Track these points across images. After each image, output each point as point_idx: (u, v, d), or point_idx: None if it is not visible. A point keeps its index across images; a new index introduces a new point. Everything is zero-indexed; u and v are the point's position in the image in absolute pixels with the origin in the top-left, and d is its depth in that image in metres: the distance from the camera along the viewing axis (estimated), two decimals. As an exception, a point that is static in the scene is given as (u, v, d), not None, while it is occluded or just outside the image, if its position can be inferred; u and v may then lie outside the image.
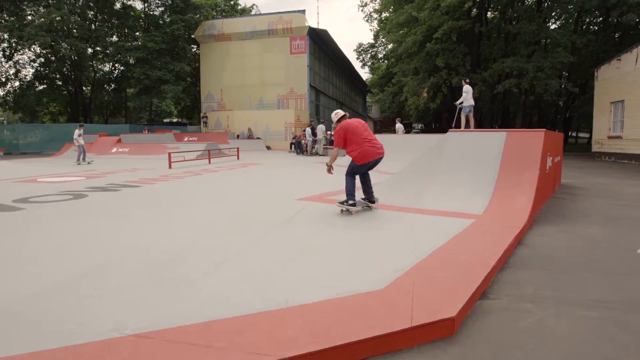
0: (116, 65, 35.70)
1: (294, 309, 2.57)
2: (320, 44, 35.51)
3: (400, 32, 28.12)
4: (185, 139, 28.78)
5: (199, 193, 7.96)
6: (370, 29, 70.23)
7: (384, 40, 43.35)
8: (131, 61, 33.59)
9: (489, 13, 29.85)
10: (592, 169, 14.57)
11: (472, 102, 12.27)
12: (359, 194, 6.06)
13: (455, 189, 6.21)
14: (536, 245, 4.38)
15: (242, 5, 44.11)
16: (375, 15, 40.03)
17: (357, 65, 62.35)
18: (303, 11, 31.98)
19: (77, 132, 17.01)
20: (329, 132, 24.98)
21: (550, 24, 30.15)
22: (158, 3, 35.12)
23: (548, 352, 2.23)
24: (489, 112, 30.67)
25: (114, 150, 23.00)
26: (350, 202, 5.72)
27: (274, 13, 32.86)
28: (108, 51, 33.44)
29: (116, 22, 34.63)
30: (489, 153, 6.41)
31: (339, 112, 6.01)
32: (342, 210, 5.79)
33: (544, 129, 6.59)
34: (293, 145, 24.72)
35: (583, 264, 3.74)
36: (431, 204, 5.95)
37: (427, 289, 2.84)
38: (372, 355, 2.21)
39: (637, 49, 16.56)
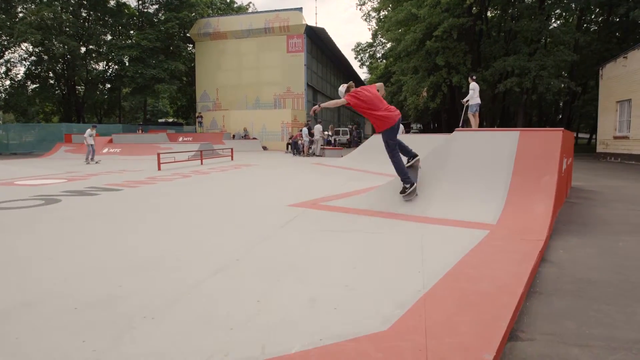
0: (110, 64, 35.05)
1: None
2: (318, 43, 34.93)
3: (400, 30, 27.52)
4: (180, 139, 28.15)
5: (180, 198, 7.32)
6: (369, 28, 69.60)
7: (382, 39, 42.76)
8: (125, 60, 32.96)
9: (488, 12, 29.24)
10: (600, 170, 13.99)
11: (478, 101, 11.68)
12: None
13: (463, 194, 5.60)
14: (563, 263, 3.77)
15: (239, 3, 43.47)
16: (373, 14, 39.38)
17: (355, 64, 61.76)
18: (300, 9, 31.40)
19: (88, 131, 16.99)
20: (326, 133, 24.42)
21: (550, 22, 29.62)
22: (152, 1, 34.47)
23: None
24: (489, 112, 30.08)
25: (105, 150, 22.34)
26: (408, 185, 5.72)
27: (271, 11, 32.26)
28: (101, 50, 32.76)
29: (110, 20, 33.97)
30: (501, 155, 5.79)
31: (345, 85, 5.85)
32: (407, 199, 5.72)
33: (562, 128, 5.99)
34: (289, 146, 24.11)
35: (629, 289, 3.13)
36: (438, 212, 5.34)
37: (442, 335, 2.21)
38: None
39: (645, 46, 16.02)
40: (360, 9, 40.36)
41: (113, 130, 29.93)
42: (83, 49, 33.34)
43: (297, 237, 4.37)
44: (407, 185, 5.72)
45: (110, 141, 23.46)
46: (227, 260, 3.56)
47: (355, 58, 50.56)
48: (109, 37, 34.68)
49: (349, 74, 51.94)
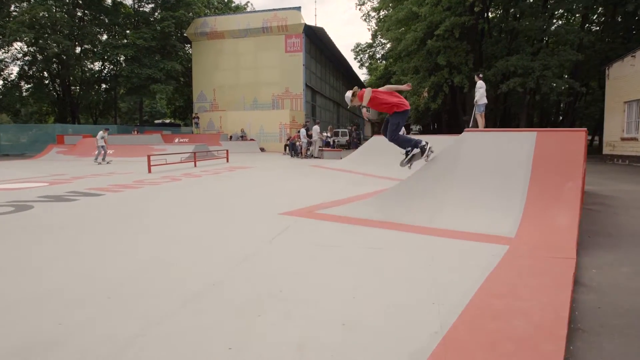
0: (105, 64, 34.45)
1: None
2: (317, 43, 34.37)
3: (400, 29, 26.97)
4: (176, 140, 27.59)
5: (162, 205, 6.71)
6: (368, 29, 69.14)
7: (382, 40, 42.20)
8: (121, 59, 32.38)
9: (489, 13, 28.66)
10: (610, 173, 13.41)
11: (485, 100, 11.13)
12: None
13: (475, 202, 5.02)
14: (601, 287, 3.18)
15: (237, 2, 42.92)
16: (373, 14, 38.85)
17: (354, 65, 61.21)
18: (299, 8, 30.85)
19: (100, 133, 17.17)
20: (324, 134, 23.85)
21: (553, 21, 29.09)
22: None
23: None
24: (491, 113, 29.49)
25: (98, 151, 21.71)
26: (422, 144, 5.84)
27: (269, 10, 31.69)
28: (96, 49, 32.13)
29: (105, 19, 33.36)
30: (516, 158, 5.22)
31: (350, 91, 5.89)
32: (426, 157, 5.80)
33: (584, 128, 5.42)
34: (287, 147, 23.53)
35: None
36: (447, 221, 4.75)
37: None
38: None
39: (655, 45, 15.46)
40: (359, 9, 39.72)
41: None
42: (78, 49, 32.76)
43: (286, 254, 3.78)
44: (422, 144, 5.86)
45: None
46: (201, 285, 2.97)
47: (355, 59, 49.99)
48: (104, 37, 34.07)
49: (348, 75, 51.43)
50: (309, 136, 20.24)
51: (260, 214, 5.68)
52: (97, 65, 35.66)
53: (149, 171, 12.57)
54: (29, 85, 32.98)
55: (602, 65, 25.75)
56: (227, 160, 17.41)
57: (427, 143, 5.88)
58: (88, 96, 33.58)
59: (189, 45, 35.60)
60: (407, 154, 5.96)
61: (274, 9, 31.49)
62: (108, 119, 40.00)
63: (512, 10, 26.02)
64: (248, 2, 45.18)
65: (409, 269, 3.34)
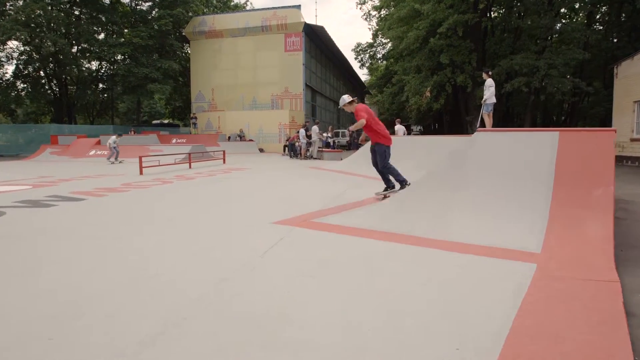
0: (102, 63, 33.90)
1: None
2: (317, 42, 33.83)
3: (402, 27, 26.41)
4: (174, 140, 27.05)
5: (145, 212, 6.13)
6: (369, 28, 68.55)
7: (382, 39, 41.67)
8: (118, 58, 31.86)
9: (492, 12, 28.06)
10: (622, 175, 12.83)
11: (494, 99, 10.56)
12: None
13: (491, 210, 4.47)
14: (656, 319, 2.62)
15: (236, 1, 42.40)
16: (374, 13, 38.34)
17: (355, 65, 60.61)
18: (298, 6, 30.32)
19: (113, 138, 17.65)
20: (324, 134, 23.31)
21: (557, 19, 28.54)
22: (146, -3, 33.38)
23: None
24: (494, 114, 28.92)
25: (92, 152, 21.27)
26: (406, 183, 6.13)
27: (268, 8, 31.16)
28: (93, 48, 31.55)
29: (103, 17, 32.81)
30: (537, 160, 4.67)
31: (349, 96, 6.66)
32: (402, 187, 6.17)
33: (614, 128, 4.87)
34: (286, 148, 22.98)
35: None
36: (460, 233, 4.20)
37: None
38: None
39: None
40: (360, 8, 39.00)
41: (104, 131, 28.83)
42: (75, 48, 32.21)
43: (276, 276, 3.21)
44: (406, 183, 6.17)
45: (98, 143, 22.33)
46: (167, 320, 2.41)
47: (356, 59, 49.41)
48: (102, 36, 33.52)
49: (349, 75, 50.89)
50: (308, 137, 19.70)
51: (252, 222, 5.12)
52: (94, 65, 35.14)
53: (141, 173, 12.03)
54: (25, 85, 32.45)
55: (608, 64, 25.22)
56: (224, 162, 16.87)
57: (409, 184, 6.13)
58: (85, 96, 33.00)
59: (187, 45, 35.10)
60: (402, 184, 6.24)
61: (273, 7, 30.96)
62: (105, 119, 39.47)
63: (516, 8, 25.45)
64: (247, 0, 44.67)
65: (421, 296, 2.78)
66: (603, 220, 3.87)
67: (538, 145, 4.78)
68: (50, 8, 28.96)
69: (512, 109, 34.62)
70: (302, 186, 9.15)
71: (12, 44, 30.10)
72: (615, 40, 28.28)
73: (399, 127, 18.41)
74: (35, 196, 7.52)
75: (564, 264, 3.35)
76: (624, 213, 6.33)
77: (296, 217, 5.27)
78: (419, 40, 24.16)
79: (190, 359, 1.98)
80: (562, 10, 27.72)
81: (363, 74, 61.78)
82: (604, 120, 29.15)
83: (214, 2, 37.89)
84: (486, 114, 10.81)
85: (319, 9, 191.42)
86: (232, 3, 41.21)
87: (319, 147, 20.19)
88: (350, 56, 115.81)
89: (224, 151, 17.44)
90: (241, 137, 28.08)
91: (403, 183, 6.23)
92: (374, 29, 40.86)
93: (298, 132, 20.64)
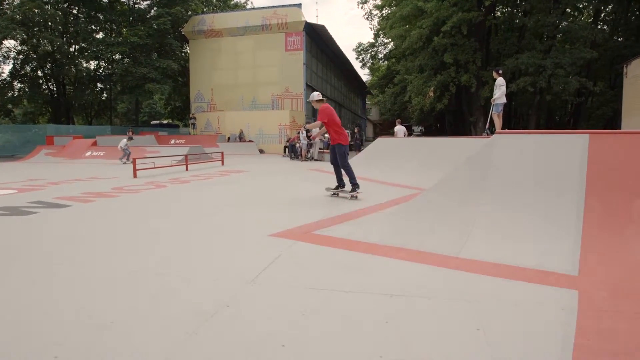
0: (100, 63, 33.45)
1: None
2: (318, 41, 33.37)
3: (404, 27, 25.94)
4: (172, 141, 26.60)
5: (130, 220, 5.60)
6: (370, 27, 68.06)
7: (384, 39, 41.16)
8: (116, 57, 31.41)
9: (497, 12, 27.50)
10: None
11: (504, 99, 10.09)
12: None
13: (515, 223, 3.97)
14: None
15: (236, 0, 41.93)
16: (375, 12, 37.82)
17: (356, 65, 60.10)
18: (299, 5, 29.84)
19: (123, 141, 17.82)
20: (326, 135, 22.78)
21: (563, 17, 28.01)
22: (144, -4, 32.94)
23: None
24: (499, 114, 28.39)
25: (88, 154, 20.77)
26: (358, 187, 6.99)
27: (268, 7, 30.69)
28: (91, 47, 31.08)
29: (100, 16, 32.37)
30: (565, 167, 4.16)
31: (321, 94, 7.36)
32: (351, 197, 6.99)
33: (652, 130, 4.37)
34: (287, 149, 22.50)
35: None
36: (483, 251, 3.70)
37: None
38: None
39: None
40: (362, 8, 38.38)
41: (101, 132, 28.37)
42: (73, 48, 31.76)
43: (272, 308, 2.70)
44: (358, 189, 7.01)
45: (95, 144, 21.85)
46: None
47: (357, 59, 48.88)
48: (100, 35, 33.05)
49: (350, 75, 50.40)
50: (309, 137, 19.20)
51: (246, 235, 4.61)
52: (92, 64, 34.68)
53: (134, 176, 11.53)
54: (22, 85, 32.01)
55: (614, 64, 24.73)
56: (222, 164, 16.37)
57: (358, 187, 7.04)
58: (82, 96, 32.54)
59: (186, 44, 34.65)
60: (352, 186, 7.01)
61: (273, 6, 30.48)
62: (104, 120, 39.01)
63: (521, 6, 24.93)
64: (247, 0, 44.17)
65: (451, 341, 2.28)
66: (649, 236, 3.37)
67: (566, 150, 4.28)
68: (47, 7, 28.53)
69: (516, 109, 34.09)
70: (302, 191, 8.64)
71: (10, 43, 29.68)
72: (620, 39, 27.77)
73: (399, 128, 17.91)
74: (17, 202, 7.02)
75: (611, 290, 2.85)
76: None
77: (296, 229, 4.76)
78: (422, 39, 23.70)
79: None
80: (568, 10, 27.25)
81: (364, 74, 61.31)
82: (612, 121, 28.66)
83: (214, 1, 37.43)
84: (496, 115, 10.33)
85: (319, 9, 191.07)
86: (232, 2, 40.76)
87: (319, 148, 19.71)
88: (351, 56, 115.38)
89: (222, 152, 16.94)
90: (241, 138, 27.61)
91: (355, 187, 6.97)
92: (375, 28, 40.33)
93: (299, 132, 20.15)
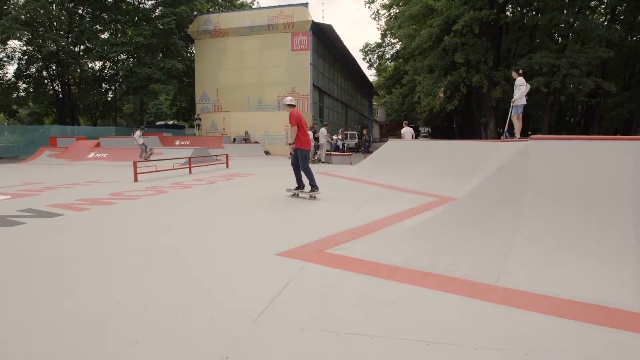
0: (105, 63, 33.12)
1: None
2: (325, 41, 32.85)
3: (413, 26, 25.36)
4: (177, 142, 26.16)
5: (120, 238, 5.07)
6: (378, 28, 67.47)
7: (392, 39, 40.58)
8: (121, 58, 31.09)
9: (508, 10, 26.79)
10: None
11: (524, 101, 9.54)
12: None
13: (561, 245, 3.43)
14: None
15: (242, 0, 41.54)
16: (383, 12, 37.26)
17: (363, 66, 59.43)
18: (306, 4, 29.32)
19: (137, 133, 18.17)
20: (334, 137, 22.33)
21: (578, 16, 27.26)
22: (149, -5, 32.59)
23: None
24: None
25: (91, 155, 20.39)
26: (317, 189, 7.51)
27: (274, 7, 30.21)
28: (95, 47, 30.76)
29: (106, 17, 32.06)
30: (616, 180, 3.62)
31: (293, 100, 8.00)
32: (310, 197, 7.52)
33: None
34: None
35: None
36: (527, 279, 3.17)
37: None
38: None
39: None
40: (369, 7, 37.76)
41: (106, 133, 28.04)
42: (78, 48, 31.48)
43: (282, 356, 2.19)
44: (317, 190, 7.55)
45: (98, 145, 21.48)
46: None
47: (364, 59, 48.31)
48: (105, 35, 32.73)
49: (357, 75, 49.88)
50: (316, 139, 18.70)
51: (250, 253, 4.09)
52: (97, 65, 34.38)
53: (135, 179, 11.07)
54: (26, 86, 31.76)
55: (629, 64, 23.99)
56: (227, 166, 15.89)
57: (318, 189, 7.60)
58: (87, 96, 32.23)
59: (192, 44, 34.28)
60: (311, 188, 7.56)
61: (280, 6, 29.98)
62: (109, 121, 38.72)
63: (535, 3, 24.21)
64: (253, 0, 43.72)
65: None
66: None
67: (617, 159, 3.73)
68: (52, 7, 28.24)
69: (526, 110, 33.37)
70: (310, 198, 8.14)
71: (14, 43, 29.43)
72: (634, 38, 26.99)
73: (406, 130, 17.33)
74: (7, 210, 6.56)
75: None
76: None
77: (307, 246, 4.24)
78: (432, 39, 23.11)
79: None
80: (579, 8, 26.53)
81: (370, 75, 60.71)
82: (628, 122, 27.94)
83: (220, 0, 37.04)
84: (515, 117, 9.78)
85: (324, 10, 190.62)
86: (237, 1, 40.33)
87: (327, 150, 19.19)
88: (357, 57, 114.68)
89: (226, 155, 16.46)
90: (246, 139, 27.14)
91: (314, 188, 7.51)
92: (382, 28, 39.76)
93: (305, 134, 19.64)
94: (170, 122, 44.87)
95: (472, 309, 2.75)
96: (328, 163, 18.37)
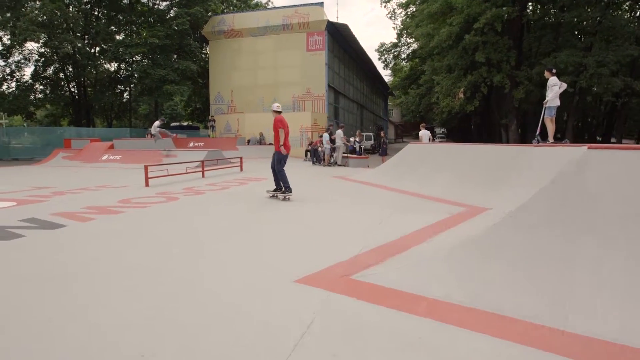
0: (121, 64, 33.13)
1: None
2: (340, 41, 32.33)
3: (432, 25, 24.63)
4: (191, 144, 25.95)
5: (120, 256, 4.65)
6: (394, 27, 66.57)
7: (407, 39, 39.85)
8: (136, 59, 31.02)
9: (528, 8, 25.87)
10: None
11: (558, 102, 8.91)
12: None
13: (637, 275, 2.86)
14: None
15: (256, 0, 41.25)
16: (399, 11, 36.57)
17: (378, 66, 58.72)
18: (321, 4, 28.82)
19: (156, 123, 18.70)
20: (351, 139, 21.82)
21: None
22: (164, -4, 32.48)
23: None
24: (534, 117, 26.76)
25: (105, 157, 20.22)
26: (289, 191, 8.11)
27: (289, 6, 29.78)
28: (110, 49, 30.73)
29: (122, 18, 32.07)
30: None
31: (280, 106, 8.50)
32: (282, 198, 8.15)
33: None
34: (308, 153, 21.54)
35: None
36: (600, 320, 2.61)
37: None
38: None
39: None
40: (385, 7, 37.01)
41: (121, 134, 27.97)
42: (94, 49, 31.54)
43: None
44: (289, 191, 8.10)
45: (111, 147, 21.32)
46: None
47: (379, 59, 47.62)
48: (120, 37, 32.73)
49: (372, 76, 49.26)
50: (332, 141, 18.18)
51: (263, 279, 3.56)
52: (112, 66, 34.42)
53: (146, 184, 10.71)
54: (43, 87, 31.93)
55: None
56: (241, 169, 15.48)
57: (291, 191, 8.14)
58: (102, 98, 32.26)
59: (206, 45, 34.08)
60: (284, 189, 8.16)
61: (294, 5, 29.55)
62: (124, 122, 38.77)
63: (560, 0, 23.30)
64: (268, 0, 43.38)
65: None
66: None
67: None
68: (69, 8, 28.29)
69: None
70: (329, 206, 7.63)
71: (31, 45, 29.60)
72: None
73: (424, 133, 16.70)
74: (9, 219, 6.20)
75: None
76: None
77: (329, 270, 3.73)
78: (452, 38, 22.37)
79: None
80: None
81: (385, 75, 59.94)
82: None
83: (234, 0, 36.80)
84: (549, 119, 9.14)
85: (338, 11, 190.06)
86: (252, 2, 40.05)
87: (343, 153, 18.66)
88: (372, 56, 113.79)
89: (240, 158, 16.06)
90: (261, 141, 26.75)
91: (287, 190, 8.11)
92: (398, 28, 39.05)
93: (321, 136, 19.15)
94: (185, 123, 44.82)
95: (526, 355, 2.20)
96: (344, 166, 17.84)
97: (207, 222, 6.26)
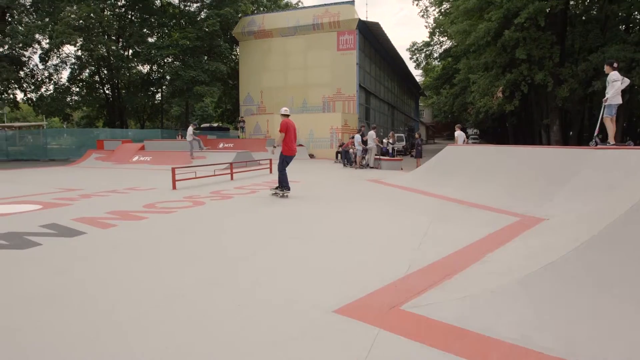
0: (153, 66, 33.56)
1: None
2: (371, 40, 31.66)
3: (468, 21, 23.57)
4: (221, 145, 25.88)
5: (131, 273, 4.20)
6: (426, 26, 65.23)
7: (440, 38, 38.67)
8: (168, 61, 31.35)
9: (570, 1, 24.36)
10: None
11: (619, 100, 8.02)
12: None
13: None
14: None
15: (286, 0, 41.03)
16: (432, 9, 35.50)
17: (410, 66, 57.52)
18: (352, 2, 28.25)
19: (190, 129, 18.93)
20: (385, 140, 21.12)
21: None
22: (194, -1, 32.68)
23: None
24: (577, 116, 25.25)
25: (136, 158, 20.34)
26: (287, 189, 8.67)
27: (320, 5, 29.32)
28: (142, 51, 31.10)
29: (152, 19, 32.46)
30: None
31: (288, 110, 8.93)
32: (280, 195, 8.67)
33: None
34: (339, 155, 20.97)
35: None
36: None
37: None
38: None
39: None
40: (417, 5, 35.93)
41: (152, 135, 28.23)
42: (127, 52, 32.08)
43: None
44: (287, 190, 8.71)
45: (142, 148, 21.41)
46: None
47: (411, 59, 46.50)
48: (153, 39, 33.15)
49: (403, 75, 48.22)
50: (364, 143, 17.54)
51: (296, 309, 2.99)
52: (145, 68, 34.94)
53: (174, 187, 10.40)
54: (79, 89, 32.69)
55: None
56: (271, 171, 15.08)
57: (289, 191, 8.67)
58: (135, 99, 32.75)
59: (235, 45, 34.07)
60: (279, 188, 8.65)
61: (325, 4, 29.07)
62: (157, 123, 39.31)
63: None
64: (299, 1, 43.05)
65: None
66: None
67: None
68: (104, 12, 28.81)
69: (592, 111, 30.59)
70: (365, 214, 7.02)
71: (68, 49, 30.32)
72: None
73: (459, 134, 15.87)
74: (29, 225, 5.91)
75: None
76: None
77: (373, 296, 3.13)
78: (490, 34, 21.29)
79: None
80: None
81: (417, 75, 58.65)
82: None
83: (264, 1, 36.68)
84: (608, 119, 8.23)
85: (369, 11, 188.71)
86: (282, 2, 39.86)
87: (375, 155, 17.98)
88: (404, 56, 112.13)
89: (270, 160, 15.65)
90: (290, 142, 26.35)
91: (284, 188, 8.59)
92: (431, 26, 37.94)
93: (353, 137, 18.54)
94: (215, 125, 45.10)
95: None
96: (377, 168, 17.16)
97: (232, 232, 5.77)
